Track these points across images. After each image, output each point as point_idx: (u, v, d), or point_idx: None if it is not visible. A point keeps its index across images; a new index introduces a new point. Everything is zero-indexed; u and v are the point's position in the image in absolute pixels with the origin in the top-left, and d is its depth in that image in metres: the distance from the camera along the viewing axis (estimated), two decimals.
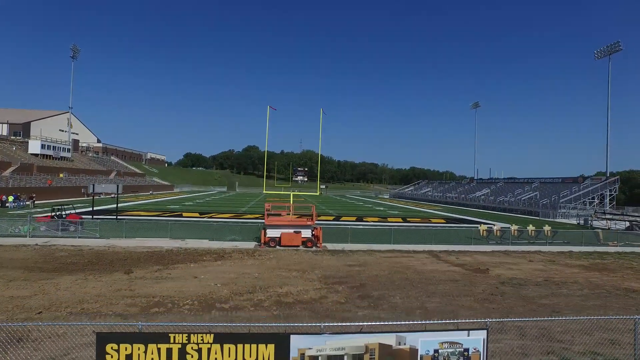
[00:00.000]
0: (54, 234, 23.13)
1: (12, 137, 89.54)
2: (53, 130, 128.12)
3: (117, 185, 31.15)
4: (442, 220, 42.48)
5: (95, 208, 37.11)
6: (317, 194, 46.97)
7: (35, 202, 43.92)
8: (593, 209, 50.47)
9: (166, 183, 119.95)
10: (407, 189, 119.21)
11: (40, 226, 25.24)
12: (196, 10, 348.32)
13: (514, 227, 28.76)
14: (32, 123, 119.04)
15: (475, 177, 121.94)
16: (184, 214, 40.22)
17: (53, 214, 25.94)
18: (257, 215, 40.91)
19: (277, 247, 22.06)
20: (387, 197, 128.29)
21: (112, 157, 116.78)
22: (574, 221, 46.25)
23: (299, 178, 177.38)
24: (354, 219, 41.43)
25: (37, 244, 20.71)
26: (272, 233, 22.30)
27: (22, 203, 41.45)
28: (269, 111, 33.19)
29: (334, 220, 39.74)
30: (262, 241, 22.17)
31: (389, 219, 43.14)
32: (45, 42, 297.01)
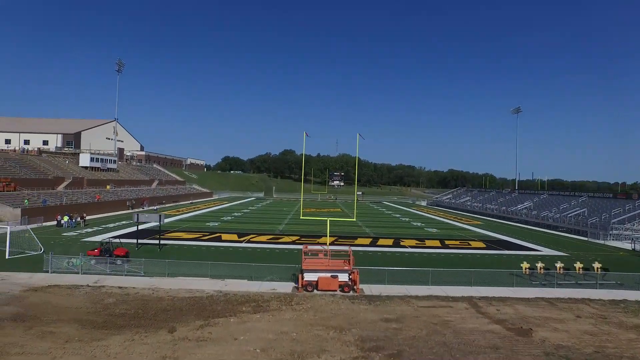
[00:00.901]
0: (103, 270, 24.42)
1: (65, 149, 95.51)
2: (100, 139, 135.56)
3: (160, 215, 32.50)
4: (482, 245, 41.10)
5: (140, 227, 38.57)
6: (353, 219, 46.65)
7: (86, 219, 46.49)
8: None
9: (205, 190, 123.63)
10: (445, 197, 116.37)
11: (91, 259, 26.80)
12: (234, 14, 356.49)
13: (559, 266, 27.37)
14: (82, 133, 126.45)
15: (517, 184, 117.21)
16: (223, 237, 41.25)
17: (102, 247, 27.37)
18: (295, 239, 41.30)
19: (315, 290, 22.23)
20: (425, 204, 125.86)
21: (155, 165, 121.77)
22: (627, 245, 43.39)
23: (335, 183, 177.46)
24: (390, 242, 40.91)
25: (88, 285, 21.97)
26: (309, 277, 22.50)
27: (74, 223, 44.01)
28: (305, 137, 33.58)
29: (370, 244, 39.41)
30: (300, 284, 22.40)
31: (426, 242, 42.30)
32: (90, 53, 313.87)
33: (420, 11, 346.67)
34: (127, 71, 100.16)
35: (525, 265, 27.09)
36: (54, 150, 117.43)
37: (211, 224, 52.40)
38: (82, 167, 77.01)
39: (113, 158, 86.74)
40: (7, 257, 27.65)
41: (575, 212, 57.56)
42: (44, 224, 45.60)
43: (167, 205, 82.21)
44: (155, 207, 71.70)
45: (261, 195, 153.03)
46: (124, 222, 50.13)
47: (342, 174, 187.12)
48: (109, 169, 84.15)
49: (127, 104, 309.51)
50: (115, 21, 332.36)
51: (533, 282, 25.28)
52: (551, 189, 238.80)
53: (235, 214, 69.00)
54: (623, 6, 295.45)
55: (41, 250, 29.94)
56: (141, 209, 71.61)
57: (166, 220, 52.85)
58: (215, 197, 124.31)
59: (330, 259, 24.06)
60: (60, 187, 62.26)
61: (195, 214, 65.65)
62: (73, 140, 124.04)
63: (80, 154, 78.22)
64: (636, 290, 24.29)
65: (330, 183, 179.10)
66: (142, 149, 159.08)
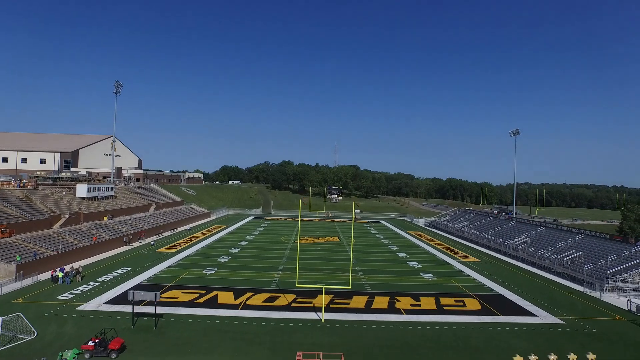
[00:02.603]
0: None
1: (62, 174, 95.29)
2: (98, 155, 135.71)
3: (155, 294, 32.40)
4: (477, 306, 41.06)
5: (139, 280, 37.73)
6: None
7: (82, 272, 46.43)
8: None
9: (203, 210, 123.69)
10: (442, 219, 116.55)
11: (85, 353, 26.78)
12: (233, 22, 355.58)
13: (552, 358, 27.43)
14: (79, 151, 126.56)
15: (514, 203, 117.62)
16: (220, 297, 41.14)
17: (96, 340, 27.28)
18: (291, 298, 41.21)
19: None
20: (422, 224, 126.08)
21: (152, 185, 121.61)
22: (623, 300, 43.51)
23: (334, 196, 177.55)
24: (386, 304, 40.79)
25: None
26: None
27: (69, 279, 43.93)
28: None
29: (365, 307, 39.37)
30: None
31: (421, 300, 42.32)
32: (87, 68, 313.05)
33: (423, 21, 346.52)
34: (123, 81, 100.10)
35: (518, 359, 27.10)
36: (51, 170, 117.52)
37: (208, 271, 52.29)
38: (79, 197, 76.94)
39: (110, 186, 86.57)
40: None
41: (572, 255, 57.66)
42: (40, 276, 45.59)
43: (164, 235, 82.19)
44: (152, 242, 71.64)
45: (259, 211, 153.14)
46: (120, 272, 50.11)
47: (340, 187, 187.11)
48: (106, 197, 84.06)
49: (125, 116, 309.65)
50: (112, 34, 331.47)
51: None
52: (549, 199, 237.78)
53: (232, 249, 68.91)
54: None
55: (34, 334, 29.85)
56: (139, 242, 71.68)
57: (163, 265, 52.86)
58: (213, 217, 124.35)
59: None
60: (57, 225, 62.17)
61: (193, 252, 65.57)
62: (71, 159, 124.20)
63: (77, 185, 78.03)
64: None
65: (328, 196, 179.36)
66: (140, 163, 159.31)
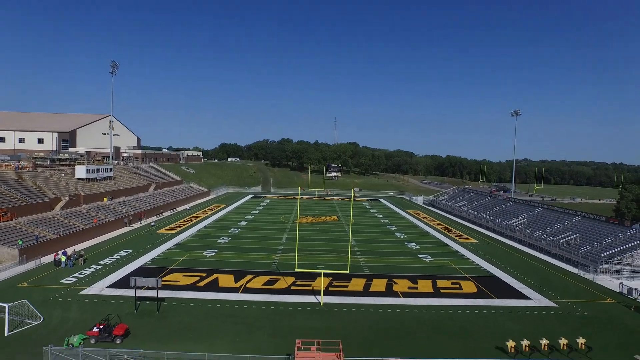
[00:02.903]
0: (100, 359, 25.05)
1: (61, 154, 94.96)
2: (96, 135, 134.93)
3: (157, 280, 32.96)
4: (474, 288, 41.91)
5: (141, 264, 38.43)
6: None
7: (84, 255, 47.01)
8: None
9: (202, 188, 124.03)
10: (441, 198, 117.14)
11: (91, 339, 27.51)
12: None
13: (544, 343, 28.23)
14: (77, 131, 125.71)
15: (512, 186, 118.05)
16: (220, 280, 41.86)
17: (100, 326, 27.94)
18: (290, 281, 41.93)
19: None
20: (421, 202, 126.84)
21: (151, 164, 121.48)
22: (616, 282, 44.38)
23: (333, 174, 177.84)
24: (383, 287, 41.60)
25: None
26: None
27: (72, 263, 44.53)
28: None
29: (363, 290, 40.15)
30: None
31: (418, 283, 43.14)
32: (83, 48, 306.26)
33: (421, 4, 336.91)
34: (120, 61, 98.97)
35: (510, 344, 27.88)
36: (49, 150, 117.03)
37: (208, 253, 52.99)
38: (79, 179, 77.00)
39: (109, 167, 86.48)
40: (6, 334, 28.26)
41: (568, 237, 58.36)
42: (43, 259, 46.21)
43: (164, 215, 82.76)
44: (152, 223, 72.20)
45: (258, 189, 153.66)
46: (122, 254, 50.75)
47: (340, 165, 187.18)
48: (105, 178, 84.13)
49: (122, 95, 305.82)
50: (108, 14, 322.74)
51: None
52: (548, 177, 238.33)
53: (232, 230, 69.55)
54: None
55: (41, 319, 30.54)
56: (139, 223, 72.27)
57: (163, 247, 53.36)
58: (212, 195, 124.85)
59: (322, 352, 24.73)
60: (57, 208, 62.52)
61: (193, 233, 66.20)
62: (69, 139, 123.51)
63: (76, 167, 77.89)
64: None
65: (328, 174, 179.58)
66: (138, 142, 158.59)
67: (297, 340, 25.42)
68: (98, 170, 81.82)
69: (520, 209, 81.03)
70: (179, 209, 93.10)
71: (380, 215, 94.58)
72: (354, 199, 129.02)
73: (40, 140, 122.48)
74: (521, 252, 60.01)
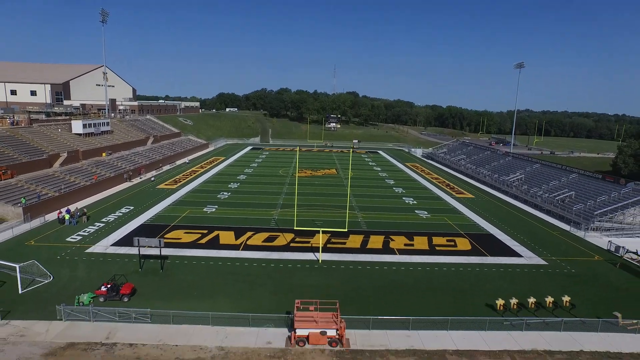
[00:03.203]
0: (112, 317, 26.44)
1: (56, 108, 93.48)
2: (90, 86, 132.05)
3: (159, 240, 33.89)
4: (468, 246, 43.25)
5: (143, 220, 40.15)
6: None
7: (87, 213, 47.86)
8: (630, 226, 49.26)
9: (201, 141, 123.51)
10: (440, 151, 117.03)
11: (99, 297, 28.86)
12: None
13: (531, 301, 29.72)
14: (70, 82, 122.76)
15: (512, 139, 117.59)
16: (221, 237, 43.01)
17: (110, 285, 29.18)
18: (290, 238, 43.08)
19: (306, 344, 24.60)
20: (420, 154, 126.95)
21: (148, 116, 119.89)
22: (605, 240, 45.77)
23: (332, 125, 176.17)
24: (380, 244, 42.89)
25: (102, 343, 24.13)
26: (301, 332, 24.71)
27: (75, 221, 45.46)
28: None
29: (360, 247, 41.46)
30: (292, 339, 24.70)
31: (414, 239, 44.45)
32: None
33: None
34: (112, 10, 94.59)
35: (500, 302, 29.35)
36: (42, 102, 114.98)
37: (208, 209, 53.96)
38: (75, 134, 76.42)
39: (106, 120, 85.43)
40: (20, 292, 29.57)
41: (563, 195, 59.21)
42: (47, 217, 47.12)
43: (163, 169, 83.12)
44: (152, 178, 72.69)
45: (257, 140, 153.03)
46: (124, 211, 51.66)
47: (339, 115, 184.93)
48: (102, 132, 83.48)
49: (115, 45, 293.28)
50: None
51: (505, 323, 27.69)
52: (548, 129, 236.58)
53: (232, 185, 70.23)
54: None
55: (51, 278, 31.81)
56: (139, 178, 72.81)
57: (164, 203, 54.03)
58: (211, 147, 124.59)
59: (320, 311, 26.04)
60: (57, 164, 62.66)
61: (193, 188, 66.87)
62: (62, 91, 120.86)
63: (73, 121, 76.95)
64: (595, 332, 26.95)
65: (327, 125, 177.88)
66: (134, 93, 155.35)
67: (296, 301, 26.68)
68: (95, 124, 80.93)
69: (518, 164, 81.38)
70: (178, 162, 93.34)
71: (379, 169, 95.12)
72: (352, 151, 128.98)
73: (33, 93, 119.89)
74: (516, 208, 61.16)
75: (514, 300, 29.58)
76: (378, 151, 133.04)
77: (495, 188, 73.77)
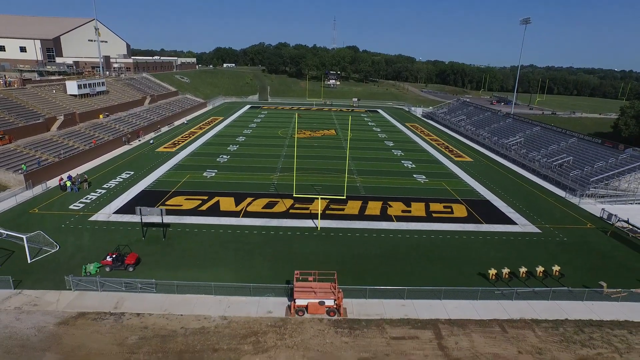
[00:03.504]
0: (118, 287, 27.56)
1: (48, 67, 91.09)
2: (82, 42, 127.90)
3: (161, 210, 34.44)
4: (464, 212, 44.04)
5: (144, 185, 41.26)
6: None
7: (88, 179, 48.25)
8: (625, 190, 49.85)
9: (199, 99, 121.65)
10: (440, 111, 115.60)
11: (105, 267, 29.90)
12: None
13: (522, 270, 30.87)
14: (61, 37, 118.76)
15: (514, 98, 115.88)
16: (221, 203, 43.67)
17: (115, 255, 30.13)
18: (289, 204, 43.72)
19: (305, 314, 25.88)
20: (420, 114, 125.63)
21: (144, 74, 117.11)
22: (599, 208, 46.58)
23: (331, 82, 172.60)
24: (378, 209, 43.63)
25: (110, 313, 25.35)
26: (300, 302, 25.90)
27: (77, 188, 45.88)
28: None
29: (359, 214, 42.25)
30: (292, 308, 25.94)
31: (412, 206, 45.23)
32: None
33: None
34: None
35: (492, 272, 30.49)
36: (33, 60, 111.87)
37: (208, 174, 54.32)
38: (71, 95, 75.13)
39: (101, 80, 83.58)
40: (29, 261, 30.57)
41: (561, 160, 59.40)
42: (48, 183, 47.52)
43: (162, 131, 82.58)
44: (151, 140, 72.41)
45: (256, 98, 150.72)
46: (124, 176, 52.00)
47: (338, 72, 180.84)
48: (98, 93, 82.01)
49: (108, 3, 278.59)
50: None
51: (495, 292, 28.95)
52: (552, 86, 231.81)
53: (231, 147, 70.12)
54: None
55: (57, 247, 32.73)
56: (138, 141, 72.57)
57: (164, 168, 53.76)
58: (209, 106, 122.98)
59: (319, 282, 27.14)
60: (54, 128, 62.19)
61: (192, 150, 66.84)
62: (53, 47, 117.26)
63: (67, 82, 75.28)
64: (581, 301, 28.30)
65: (326, 82, 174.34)
66: (128, 49, 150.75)
67: (295, 272, 27.71)
68: (90, 85, 79.30)
69: (518, 126, 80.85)
70: (177, 123, 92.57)
71: (378, 129, 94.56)
72: (352, 110, 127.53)
73: (23, 49, 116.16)
74: (514, 173, 61.57)
75: (505, 270, 30.72)
76: (378, 110, 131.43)
77: (495, 151, 73.82)
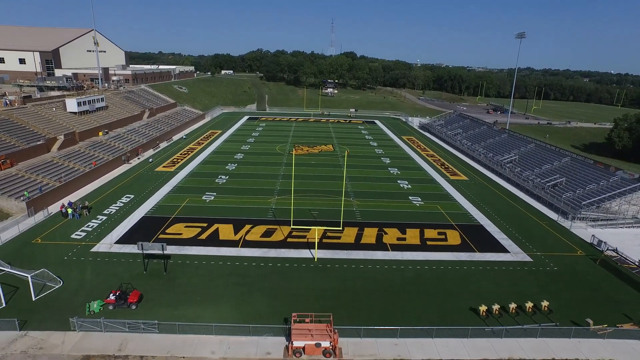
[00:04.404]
0: (122, 327, 28.44)
1: (48, 82, 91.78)
2: (81, 52, 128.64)
3: (162, 245, 35.34)
4: (458, 240, 45.16)
5: (145, 212, 43.34)
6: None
7: (88, 206, 49.05)
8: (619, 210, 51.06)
9: (197, 111, 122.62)
10: (437, 123, 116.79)
11: (109, 305, 30.78)
12: None
13: (512, 306, 31.91)
14: (60, 49, 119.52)
15: (510, 106, 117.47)
16: (220, 232, 44.61)
17: (118, 292, 31.01)
18: (287, 232, 44.69)
19: (302, 355, 26.85)
20: (417, 125, 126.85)
21: (142, 86, 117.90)
22: (589, 232, 47.73)
23: (329, 90, 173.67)
24: (374, 238, 44.68)
25: (115, 357, 26.26)
26: (297, 344, 26.87)
27: (78, 214, 46.70)
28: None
29: (354, 243, 43.24)
30: (290, 350, 26.90)
31: (407, 232, 46.26)
32: None
33: None
34: None
35: (482, 308, 31.54)
36: (32, 71, 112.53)
37: (207, 197, 55.21)
38: (71, 112, 75.93)
39: (100, 97, 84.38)
40: (33, 299, 31.43)
41: (554, 182, 60.55)
42: (50, 209, 48.36)
43: (161, 147, 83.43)
44: (150, 159, 73.22)
45: (254, 108, 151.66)
46: (124, 200, 52.82)
47: (336, 80, 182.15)
48: (97, 109, 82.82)
49: (103, 6, 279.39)
50: None
51: (485, 329, 29.97)
52: (548, 92, 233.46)
53: (229, 166, 71.05)
54: None
55: (60, 283, 33.60)
56: (137, 159, 73.40)
57: (164, 190, 53.92)
58: (207, 118, 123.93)
59: (315, 323, 28.12)
60: (54, 148, 62.99)
61: (191, 170, 67.66)
62: (52, 59, 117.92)
63: (67, 100, 76.12)
64: (568, 338, 29.39)
65: (323, 91, 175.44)
66: (126, 58, 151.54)
67: (292, 314, 28.67)
68: (89, 101, 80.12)
69: (513, 143, 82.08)
70: (175, 137, 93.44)
71: (375, 144, 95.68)
72: (349, 121, 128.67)
73: (22, 61, 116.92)
74: (508, 193, 62.63)
75: (496, 306, 31.76)
76: (375, 121, 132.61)
77: (490, 168, 74.98)
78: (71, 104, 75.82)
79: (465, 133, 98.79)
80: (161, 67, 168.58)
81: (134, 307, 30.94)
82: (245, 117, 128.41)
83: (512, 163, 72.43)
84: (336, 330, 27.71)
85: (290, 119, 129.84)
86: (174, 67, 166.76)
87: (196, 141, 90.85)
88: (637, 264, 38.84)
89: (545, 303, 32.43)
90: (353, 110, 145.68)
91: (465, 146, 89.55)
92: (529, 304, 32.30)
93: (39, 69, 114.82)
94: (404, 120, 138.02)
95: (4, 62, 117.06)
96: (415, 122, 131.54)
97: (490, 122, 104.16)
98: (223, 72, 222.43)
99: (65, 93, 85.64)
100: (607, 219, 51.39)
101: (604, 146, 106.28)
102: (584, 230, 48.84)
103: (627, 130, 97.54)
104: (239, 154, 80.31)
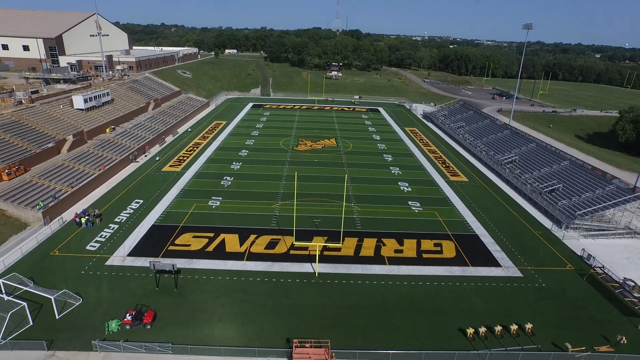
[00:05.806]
0: (138, 348, 31.22)
1: (53, 75, 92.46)
2: (84, 38, 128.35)
3: (173, 265, 37.76)
4: (452, 252, 47.21)
5: (154, 222, 45.56)
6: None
7: (100, 214, 51.41)
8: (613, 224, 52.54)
9: (201, 99, 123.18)
10: (441, 114, 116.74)
11: (126, 325, 33.51)
12: None
13: (498, 329, 34.28)
14: (63, 35, 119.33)
15: (516, 92, 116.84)
16: (227, 242, 47.00)
17: (134, 313, 33.66)
18: (290, 243, 46.95)
19: None
20: (421, 114, 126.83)
21: (147, 74, 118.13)
22: (580, 244, 49.59)
23: (333, 73, 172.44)
24: (372, 250, 46.87)
25: None
26: None
27: (92, 224, 49.09)
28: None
29: (354, 256, 45.49)
30: None
31: (404, 244, 48.38)
32: None
33: None
34: None
35: (470, 330, 33.94)
36: (37, 59, 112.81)
37: (213, 203, 57.30)
38: (78, 109, 77.28)
39: (106, 91, 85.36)
40: (57, 317, 34.20)
41: (551, 187, 61.86)
42: (64, 217, 50.79)
43: (166, 143, 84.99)
44: (157, 157, 74.96)
45: (258, 92, 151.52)
46: (134, 206, 55.02)
47: (340, 64, 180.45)
48: (104, 104, 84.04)
49: None
50: None
51: (471, 353, 32.44)
52: (557, 72, 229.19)
53: (234, 165, 72.81)
54: None
55: (80, 300, 36.29)
56: (144, 157, 75.24)
57: (171, 194, 55.27)
58: (212, 106, 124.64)
59: (314, 348, 30.69)
60: (64, 150, 64.89)
61: (196, 170, 69.48)
62: (55, 45, 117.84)
63: (73, 97, 77.29)
64: None
65: (328, 73, 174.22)
66: (129, 41, 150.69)
67: (294, 340, 31.24)
68: (96, 97, 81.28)
69: (514, 140, 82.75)
70: (180, 130, 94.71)
71: (378, 137, 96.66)
72: (353, 109, 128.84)
73: (26, 48, 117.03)
74: (506, 197, 64.04)
75: (482, 329, 34.16)
76: (379, 109, 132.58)
77: (490, 168, 76.16)
78: (78, 101, 77.08)
79: (468, 127, 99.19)
80: (164, 49, 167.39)
81: (149, 326, 33.63)
82: (250, 105, 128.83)
83: (513, 164, 73.51)
84: (333, 355, 30.30)
85: (294, 106, 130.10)
86: (177, 49, 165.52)
87: (201, 134, 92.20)
88: (620, 282, 40.87)
89: (529, 325, 34.73)
90: (357, 97, 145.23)
91: (467, 141, 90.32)
92: (514, 327, 34.63)
93: (42, 56, 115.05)
94: (408, 107, 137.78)
95: (8, 49, 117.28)
96: (419, 109, 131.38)
97: (495, 109, 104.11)
98: (227, 51, 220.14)
99: (71, 87, 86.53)
100: (600, 229, 53.07)
101: (608, 137, 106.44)
102: (575, 241, 50.67)
103: (632, 123, 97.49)
104: (243, 150, 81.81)
